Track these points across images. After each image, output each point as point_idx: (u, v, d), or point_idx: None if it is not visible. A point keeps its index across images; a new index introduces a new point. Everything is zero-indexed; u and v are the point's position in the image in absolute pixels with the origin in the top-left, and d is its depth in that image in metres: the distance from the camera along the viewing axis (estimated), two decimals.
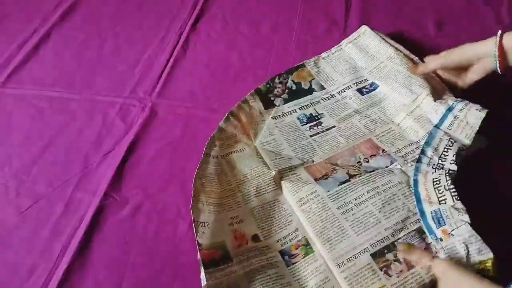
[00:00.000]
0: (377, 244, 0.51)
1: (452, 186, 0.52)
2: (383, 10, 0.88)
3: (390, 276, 0.48)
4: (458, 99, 0.63)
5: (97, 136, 0.70)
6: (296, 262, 0.52)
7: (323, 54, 0.79)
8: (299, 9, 0.90)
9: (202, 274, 0.49)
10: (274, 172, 0.60)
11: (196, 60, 0.82)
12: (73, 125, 0.73)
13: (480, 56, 0.60)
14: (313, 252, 0.52)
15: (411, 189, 0.55)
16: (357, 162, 0.60)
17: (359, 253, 0.50)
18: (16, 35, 0.89)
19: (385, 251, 0.50)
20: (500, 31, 0.57)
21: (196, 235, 0.53)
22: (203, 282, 0.49)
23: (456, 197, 0.51)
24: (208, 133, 0.68)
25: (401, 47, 0.75)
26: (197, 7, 0.93)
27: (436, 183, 0.53)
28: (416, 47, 0.77)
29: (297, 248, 0.53)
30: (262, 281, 0.50)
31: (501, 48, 0.56)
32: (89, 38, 0.89)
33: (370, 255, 0.50)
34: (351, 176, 0.58)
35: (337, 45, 0.79)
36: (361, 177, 0.57)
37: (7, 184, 0.65)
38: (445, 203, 0.51)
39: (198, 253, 0.51)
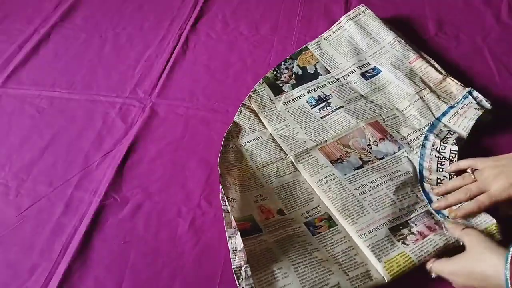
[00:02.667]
0: (394, 221, 0.55)
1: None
2: (383, 10, 0.87)
3: (407, 245, 0.52)
4: (462, 95, 0.67)
5: (97, 136, 0.70)
6: (321, 232, 0.55)
7: (325, 34, 0.81)
8: (299, 9, 0.90)
9: (239, 239, 0.52)
10: (291, 157, 0.63)
11: (196, 60, 0.82)
12: (73, 125, 0.72)
13: None
14: (336, 225, 0.56)
15: (417, 180, 0.59)
16: (368, 145, 0.63)
17: (378, 227, 0.54)
18: (16, 35, 0.89)
19: (401, 227, 0.55)
20: None
21: (229, 210, 0.55)
22: (239, 246, 0.51)
23: None
24: (208, 133, 0.69)
25: (400, 34, 0.77)
26: (197, 7, 0.93)
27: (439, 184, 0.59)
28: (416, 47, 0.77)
29: (320, 221, 0.57)
30: (292, 247, 0.53)
31: None
32: (89, 38, 0.89)
33: (388, 228, 0.54)
34: (364, 162, 0.62)
35: (337, 23, 0.82)
36: (373, 165, 0.61)
37: (7, 184, 0.65)
38: None
39: (233, 222, 0.54)
